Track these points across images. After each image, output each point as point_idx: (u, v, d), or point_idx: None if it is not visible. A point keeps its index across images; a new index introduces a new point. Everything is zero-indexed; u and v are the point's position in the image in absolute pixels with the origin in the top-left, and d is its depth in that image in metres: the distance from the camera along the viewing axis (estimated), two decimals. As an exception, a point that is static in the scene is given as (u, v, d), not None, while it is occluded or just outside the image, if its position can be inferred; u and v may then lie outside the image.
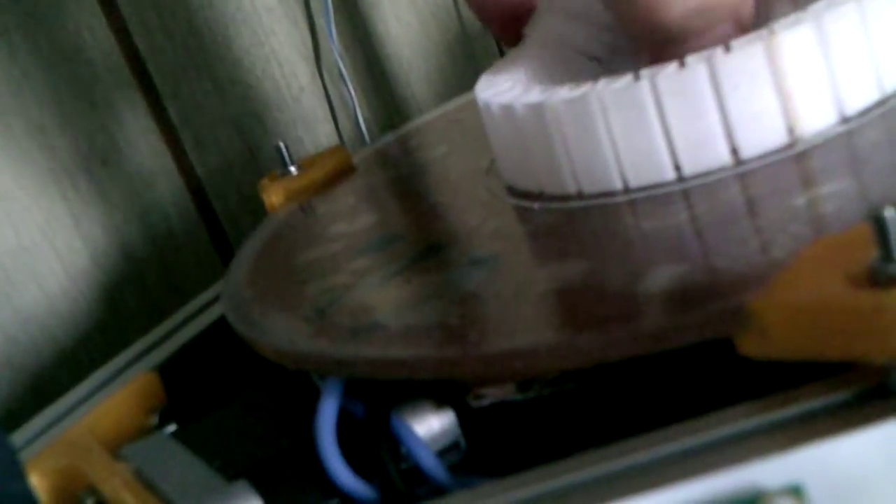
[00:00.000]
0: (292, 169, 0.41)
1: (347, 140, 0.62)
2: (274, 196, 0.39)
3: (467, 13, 0.68)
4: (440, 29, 0.68)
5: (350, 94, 0.61)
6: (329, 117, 0.62)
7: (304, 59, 0.61)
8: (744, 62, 0.25)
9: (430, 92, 0.67)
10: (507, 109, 0.29)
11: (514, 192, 0.31)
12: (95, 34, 0.51)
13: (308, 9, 0.62)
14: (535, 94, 0.29)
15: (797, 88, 0.25)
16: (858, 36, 0.26)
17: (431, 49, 0.68)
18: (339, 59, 0.61)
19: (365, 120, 0.62)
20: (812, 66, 0.25)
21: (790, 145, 0.26)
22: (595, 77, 0.28)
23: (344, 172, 0.41)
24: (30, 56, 0.48)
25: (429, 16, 0.68)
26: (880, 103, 0.26)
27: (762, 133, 0.26)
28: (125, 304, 0.50)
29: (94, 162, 0.50)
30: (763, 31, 0.25)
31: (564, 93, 0.27)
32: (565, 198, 0.29)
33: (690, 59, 0.25)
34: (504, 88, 0.30)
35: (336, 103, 0.62)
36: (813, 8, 0.26)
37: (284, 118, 0.59)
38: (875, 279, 0.18)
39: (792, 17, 0.26)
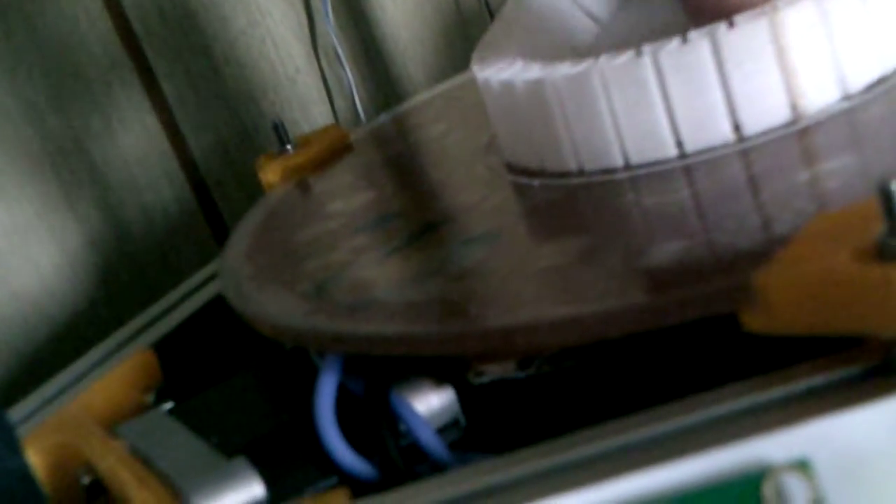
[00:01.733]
0: (289, 147, 0.40)
1: (342, 121, 0.62)
2: (271, 174, 0.39)
3: (464, -5, 0.68)
4: (436, 10, 0.68)
5: (347, 74, 0.61)
6: (324, 98, 0.62)
7: (299, 40, 0.61)
8: (747, 38, 0.25)
9: (426, 73, 0.66)
10: (507, 86, 0.29)
11: (514, 168, 0.31)
12: (91, 15, 0.51)
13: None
14: (536, 71, 0.28)
15: (800, 65, 0.25)
16: (860, 13, 0.26)
17: (427, 30, 0.67)
18: (335, 40, 0.61)
19: (361, 101, 0.62)
20: (815, 43, 0.25)
21: (793, 122, 0.26)
22: (592, 39, 0.28)
23: (341, 151, 0.40)
24: (25, 36, 0.48)
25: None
26: (882, 80, 0.26)
27: (765, 110, 0.25)
28: (120, 282, 0.50)
29: (89, 141, 0.50)
30: (767, 7, 0.25)
31: (565, 69, 0.27)
32: (566, 174, 0.28)
33: (693, 35, 0.25)
34: (503, 64, 0.30)
35: (332, 84, 0.62)
36: None
37: (280, 99, 0.59)
38: (882, 253, 0.18)
39: None
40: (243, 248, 0.34)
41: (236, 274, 0.31)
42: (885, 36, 0.26)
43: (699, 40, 0.25)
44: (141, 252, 0.51)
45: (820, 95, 0.26)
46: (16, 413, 0.32)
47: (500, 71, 0.30)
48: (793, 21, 0.25)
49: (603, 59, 0.26)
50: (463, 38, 0.68)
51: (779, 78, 0.25)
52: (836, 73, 0.26)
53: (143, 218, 0.51)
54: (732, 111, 0.25)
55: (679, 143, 0.26)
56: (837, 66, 0.26)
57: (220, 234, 0.53)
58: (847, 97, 0.26)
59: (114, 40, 0.52)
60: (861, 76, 0.26)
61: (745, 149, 0.26)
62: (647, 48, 0.26)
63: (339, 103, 0.62)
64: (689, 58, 0.25)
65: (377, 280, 0.27)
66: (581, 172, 0.28)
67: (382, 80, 0.65)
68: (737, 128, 0.26)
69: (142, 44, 0.53)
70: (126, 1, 0.52)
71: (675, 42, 0.25)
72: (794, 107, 0.25)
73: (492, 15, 0.68)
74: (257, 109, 0.58)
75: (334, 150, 0.40)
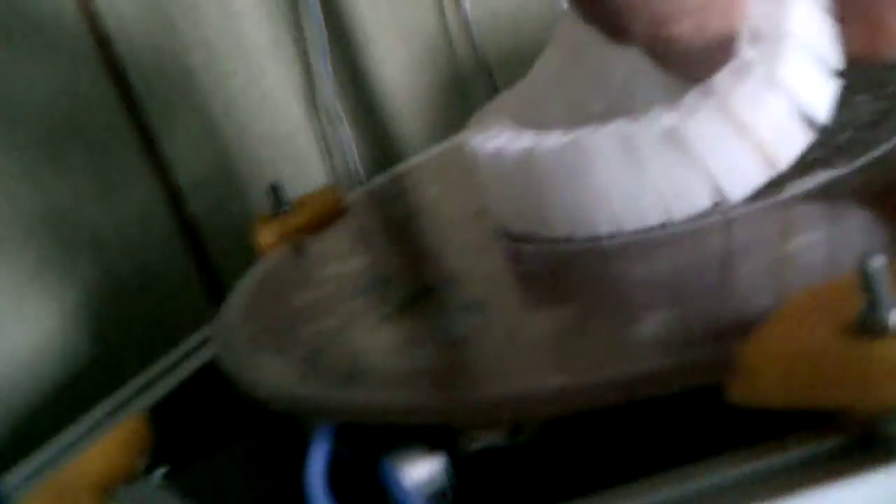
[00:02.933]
0: (284, 209, 0.41)
1: (340, 178, 0.63)
2: (267, 237, 0.39)
3: (461, 51, 0.69)
4: (434, 67, 0.69)
5: (345, 132, 0.62)
6: (321, 156, 0.62)
7: (296, 99, 0.61)
8: (712, 123, 0.25)
9: (424, 130, 0.67)
10: (498, 155, 0.29)
11: (505, 234, 0.31)
12: (92, 76, 0.51)
13: (303, 48, 0.62)
14: (526, 140, 0.29)
15: (768, 139, 0.26)
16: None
17: (425, 88, 0.68)
18: (334, 98, 0.61)
19: (359, 159, 0.63)
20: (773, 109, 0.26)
21: (774, 193, 0.26)
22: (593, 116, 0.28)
23: (336, 213, 0.41)
24: (25, 97, 0.49)
25: (423, 54, 0.68)
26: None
27: (743, 182, 0.26)
28: (115, 343, 0.50)
29: (86, 202, 0.50)
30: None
31: (554, 139, 0.28)
32: (555, 241, 0.29)
33: (667, 118, 0.26)
34: (495, 133, 0.31)
35: (330, 141, 0.63)
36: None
37: (278, 156, 0.60)
38: (863, 329, 0.18)
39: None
40: (238, 313, 0.34)
41: (230, 340, 0.32)
42: None
43: (676, 117, 0.26)
44: (137, 313, 0.51)
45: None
46: (11, 479, 0.32)
47: (491, 139, 0.30)
48: (747, 101, 0.25)
49: (587, 130, 0.27)
50: (460, 94, 0.69)
51: (750, 154, 0.26)
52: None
53: (140, 278, 0.52)
54: (713, 183, 0.26)
55: (664, 213, 0.27)
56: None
57: (216, 293, 0.54)
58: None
59: (114, 101, 0.52)
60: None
61: (729, 219, 0.26)
62: (624, 123, 0.26)
63: (337, 160, 0.63)
64: (666, 135, 0.26)
65: (370, 348, 0.28)
66: (570, 239, 0.28)
67: (380, 137, 0.65)
68: (719, 198, 0.26)
69: (142, 103, 0.53)
70: (127, 60, 0.53)
71: (652, 119, 0.26)
72: (772, 180, 0.26)
73: (490, 72, 0.69)
74: (257, 167, 0.58)
75: (329, 212, 0.40)
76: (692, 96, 0.26)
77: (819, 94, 0.26)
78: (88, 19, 0.52)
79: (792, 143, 0.26)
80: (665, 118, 0.26)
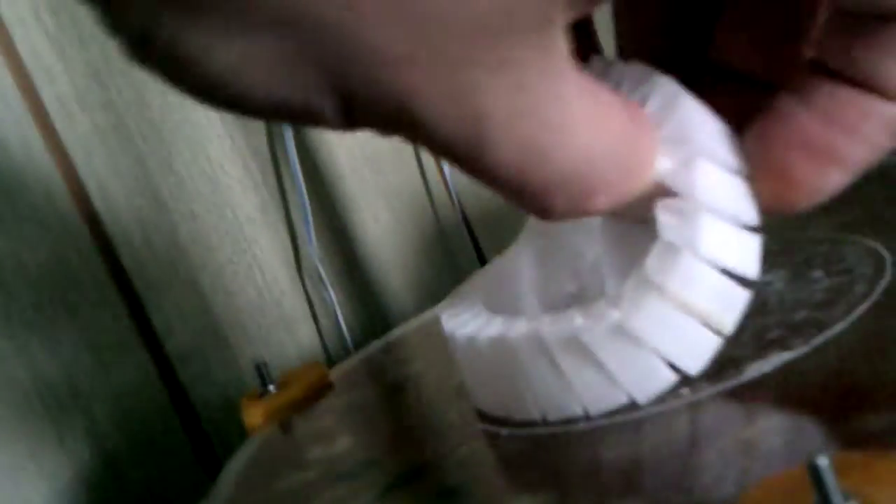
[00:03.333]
0: (271, 388, 0.42)
1: (328, 340, 0.64)
2: (254, 417, 0.40)
3: (443, 212, 0.71)
4: (416, 226, 0.71)
5: (330, 296, 0.63)
6: (309, 318, 0.64)
7: (284, 265, 0.63)
8: (654, 313, 0.27)
9: (409, 289, 0.68)
10: (470, 340, 0.31)
11: (482, 416, 0.32)
12: (81, 253, 0.53)
13: (288, 216, 0.64)
14: (496, 327, 0.30)
15: (712, 311, 0.27)
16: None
17: (409, 247, 0.70)
18: (318, 264, 0.63)
19: (346, 320, 0.64)
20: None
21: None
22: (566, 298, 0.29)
23: (321, 389, 0.42)
24: (16, 276, 0.50)
25: (405, 216, 0.70)
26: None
27: (698, 355, 0.27)
28: (110, 522, 0.50)
29: (77, 377, 0.51)
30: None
31: (519, 328, 0.29)
32: (531, 424, 0.30)
33: (611, 314, 0.27)
34: (467, 318, 0.32)
35: (317, 305, 0.64)
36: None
37: (266, 322, 0.61)
38: (816, 524, 0.19)
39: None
40: (227, 497, 0.35)
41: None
42: None
43: (620, 313, 0.27)
44: (131, 485, 0.52)
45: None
46: None
47: (464, 324, 0.32)
48: (683, 282, 0.27)
49: (545, 323, 0.28)
50: (444, 253, 0.71)
51: (697, 327, 0.27)
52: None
53: (133, 452, 0.52)
54: (670, 364, 0.27)
55: (629, 397, 0.28)
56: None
57: (209, 466, 0.54)
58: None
59: (104, 276, 0.54)
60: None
61: (693, 402, 0.27)
62: (575, 319, 0.28)
63: (324, 321, 0.64)
64: (616, 329, 0.27)
65: (353, 537, 0.28)
66: (545, 422, 0.29)
67: (366, 297, 0.67)
68: (682, 382, 0.27)
69: (131, 278, 0.55)
70: (115, 236, 0.54)
71: (596, 314, 0.27)
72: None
73: (469, 229, 0.71)
74: (244, 334, 0.59)
75: (315, 389, 0.42)
76: (631, 287, 0.27)
77: (745, 253, 0.27)
78: (77, 199, 0.53)
79: (732, 307, 0.27)
80: (610, 315, 0.27)
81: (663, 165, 0.26)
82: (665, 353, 0.27)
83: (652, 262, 0.27)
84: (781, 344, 0.28)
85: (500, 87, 0.22)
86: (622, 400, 0.28)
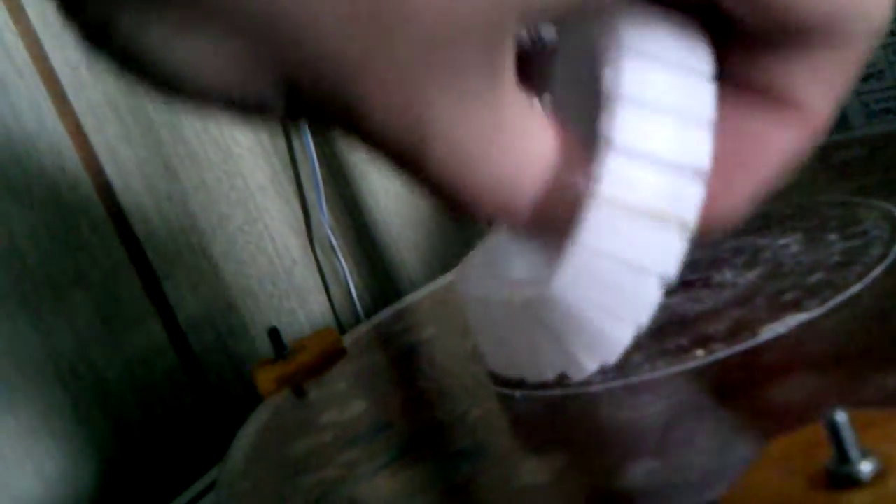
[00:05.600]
0: (284, 353, 0.42)
1: (339, 309, 0.64)
2: (266, 382, 0.40)
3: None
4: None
5: (341, 265, 0.63)
6: (321, 287, 0.64)
7: (295, 234, 0.63)
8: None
9: (420, 259, 0.68)
10: (484, 302, 0.31)
11: (496, 379, 0.32)
12: (93, 220, 0.53)
13: (299, 185, 0.64)
14: (509, 287, 0.30)
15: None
16: None
17: (420, 218, 0.70)
18: (329, 233, 0.63)
19: (357, 289, 0.64)
20: None
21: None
22: None
23: (334, 355, 0.42)
24: (29, 245, 0.50)
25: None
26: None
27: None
28: (122, 485, 0.51)
29: (91, 344, 0.51)
30: None
31: (533, 286, 0.29)
32: (545, 386, 0.30)
33: None
34: (480, 279, 0.32)
35: (328, 274, 0.64)
36: None
37: (278, 291, 0.61)
38: (832, 480, 0.19)
39: None
40: (240, 461, 0.35)
41: (233, 490, 0.32)
42: None
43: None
44: (143, 452, 0.52)
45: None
46: None
47: (477, 285, 0.31)
48: None
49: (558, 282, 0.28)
50: (455, 224, 0.71)
51: None
52: None
53: (146, 419, 0.52)
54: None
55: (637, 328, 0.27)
56: None
57: (221, 432, 0.54)
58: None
59: (116, 245, 0.54)
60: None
61: (708, 363, 0.27)
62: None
63: (336, 291, 0.64)
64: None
65: (368, 498, 0.28)
66: (560, 384, 0.29)
67: (377, 267, 0.67)
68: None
69: (143, 247, 0.55)
70: (127, 207, 0.54)
71: None
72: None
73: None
74: (256, 303, 0.59)
75: (328, 355, 0.42)
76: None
77: (689, 146, 0.26)
78: (90, 169, 0.53)
79: (683, 199, 0.26)
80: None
81: None
82: (639, 264, 0.26)
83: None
84: (797, 306, 0.28)
85: (445, 96, 0.23)
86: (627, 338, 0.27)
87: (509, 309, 0.29)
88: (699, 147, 0.25)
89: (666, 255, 0.26)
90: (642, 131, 0.25)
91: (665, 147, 0.25)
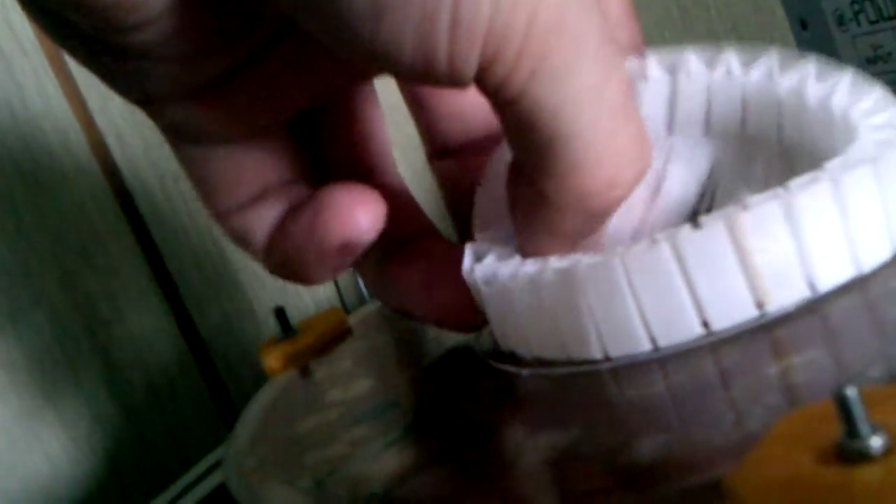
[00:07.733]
0: (289, 332, 0.42)
1: (344, 289, 0.64)
2: (273, 361, 0.40)
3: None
4: (433, 178, 0.70)
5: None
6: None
7: (301, 215, 0.63)
8: (708, 242, 0.26)
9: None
10: (492, 279, 0.30)
11: (503, 356, 0.32)
12: (99, 201, 0.53)
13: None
14: (518, 264, 0.30)
15: (764, 267, 0.26)
16: (832, 212, 0.27)
17: (425, 198, 0.69)
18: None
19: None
20: (780, 244, 0.26)
21: (761, 317, 0.27)
22: None
23: (341, 335, 0.42)
24: (35, 224, 0.50)
25: (421, 166, 0.69)
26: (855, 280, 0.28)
27: (731, 308, 0.27)
28: (129, 463, 0.51)
29: (97, 325, 0.51)
30: (729, 209, 0.26)
31: (552, 263, 0.29)
32: (553, 364, 0.30)
33: (659, 237, 0.27)
34: (489, 255, 0.32)
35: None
36: (788, 184, 0.27)
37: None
38: (842, 455, 0.19)
39: (762, 195, 0.27)
40: (246, 439, 0.35)
41: (239, 468, 0.32)
42: (857, 237, 0.27)
43: (662, 242, 0.26)
44: (149, 432, 0.52)
45: (787, 295, 0.27)
46: None
47: (484, 264, 0.31)
48: (755, 222, 0.26)
49: (573, 260, 0.28)
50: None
51: (742, 279, 0.26)
52: (805, 275, 0.27)
53: (151, 398, 0.52)
54: (700, 310, 0.27)
55: (652, 339, 0.27)
56: (805, 268, 0.27)
57: (227, 413, 0.55)
58: (816, 294, 0.27)
59: (122, 225, 0.54)
60: (830, 277, 0.27)
61: (716, 342, 0.27)
62: (618, 249, 0.27)
63: (342, 275, 0.64)
64: (653, 260, 0.26)
65: (376, 475, 0.28)
66: (567, 363, 0.29)
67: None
68: (706, 324, 0.27)
69: (148, 227, 0.55)
70: (131, 184, 0.54)
71: (641, 244, 0.27)
72: (760, 305, 0.27)
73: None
74: (261, 285, 0.59)
75: (334, 334, 0.42)
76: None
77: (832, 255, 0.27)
78: (95, 148, 0.53)
79: (790, 290, 0.27)
80: (649, 247, 0.26)
81: None
82: (698, 298, 0.26)
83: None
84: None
85: None
86: (643, 342, 0.27)
87: (526, 282, 0.29)
88: None
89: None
90: None
91: None
